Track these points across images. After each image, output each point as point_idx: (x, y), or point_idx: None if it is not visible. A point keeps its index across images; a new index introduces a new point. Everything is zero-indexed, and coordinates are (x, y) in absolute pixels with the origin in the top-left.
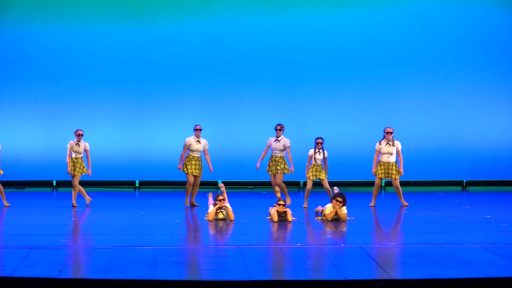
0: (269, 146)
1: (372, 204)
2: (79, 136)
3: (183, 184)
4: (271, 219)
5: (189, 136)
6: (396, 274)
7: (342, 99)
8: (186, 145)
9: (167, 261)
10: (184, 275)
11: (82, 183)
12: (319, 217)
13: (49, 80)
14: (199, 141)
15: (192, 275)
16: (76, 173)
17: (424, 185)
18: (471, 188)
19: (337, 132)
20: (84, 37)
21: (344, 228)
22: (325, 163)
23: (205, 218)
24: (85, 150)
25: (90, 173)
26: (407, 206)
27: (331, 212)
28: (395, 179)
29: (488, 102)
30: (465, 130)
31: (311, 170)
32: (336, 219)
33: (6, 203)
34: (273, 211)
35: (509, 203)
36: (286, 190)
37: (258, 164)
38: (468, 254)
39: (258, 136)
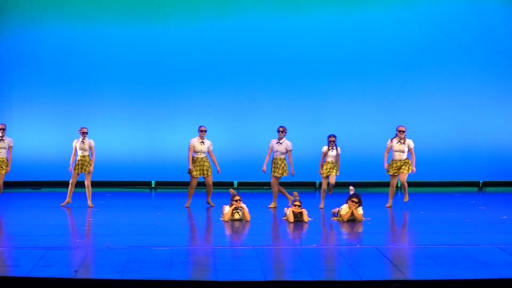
0: (271, 149)
1: (388, 204)
2: (83, 134)
3: (199, 184)
4: (287, 220)
5: (194, 138)
6: (412, 275)
7: (356, 99)
8: (190, 146)
9: (183, 261)
10: (200, 275)
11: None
12: (335, 218)
13: (65, 80)
14: (203, 142)
15: (208, 276)
16: (85, 172)
17: (441, 186)
18: (488, 189)
19: (351, 132)
20: (100, 38)
21: (360, 228)
22: (337, 160)
23: (221, 218)
24: (90, 147)
25: (92, 169)
26: (406, 201)
27: (347, 212)
28: (403, 173)
29: (505, 103)
30: (482, 130)
31: (324, 167)
32: (352, 220)
33: None
34: (289, 211)
35: None
36: (276, 194)
37: (265, 167)
38: (484, 255)
39: (273, 136)
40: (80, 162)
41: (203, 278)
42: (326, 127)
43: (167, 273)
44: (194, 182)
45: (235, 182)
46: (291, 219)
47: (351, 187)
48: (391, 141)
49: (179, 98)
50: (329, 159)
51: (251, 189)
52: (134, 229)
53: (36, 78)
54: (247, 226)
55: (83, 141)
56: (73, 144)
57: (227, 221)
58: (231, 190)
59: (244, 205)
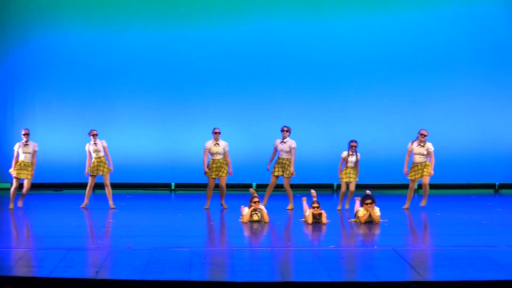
0: (276, 148)
1: (405, 206)
2: (93, 136)
3: (218, 187)
4: (306, 221)
5: (209, 140)
6: (429, 276)
7: (372, 102)
8: (206, 149)
9: (202, 262)
10: (219, 276)
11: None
12: (353, 219)
13: (86, 84)
14: (218, 144)
15: (227, 276)
16: (103, 173)
17: (457, 188)
18: (504, 191)
19: (367, 135)
20: (120, 43)
21: (377, 230)
22: (356, 165)
23: (239, 220)
24: (104, 148)
25: (111, 168)
26: (423, 206)
27: (364, 214)
28: (425, 176)
29: None
30: (498, 133)
31: (344, 172)
32: (370, 221)
33: (20, 203)
34: (308, 212)
35: None
36: (291, 195)
37: (269, 166)
38: (501, 256)
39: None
40: (96, 163)
41: (222, 279)
42: (343, 129)
43: (187, 273)
44: (212, 184)
45: (254, 184)
46: (310, 220)
47: (367, 191)
48: (412, 144)
49: (199, 101)
50: (349, 164)
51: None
52: (154, 231)
53: (57, 82)
54: (266, 228)
55: (95, 143)
56: (86, 148)
57: (245, 223)
58: (251, 190)
59: (262, 207)
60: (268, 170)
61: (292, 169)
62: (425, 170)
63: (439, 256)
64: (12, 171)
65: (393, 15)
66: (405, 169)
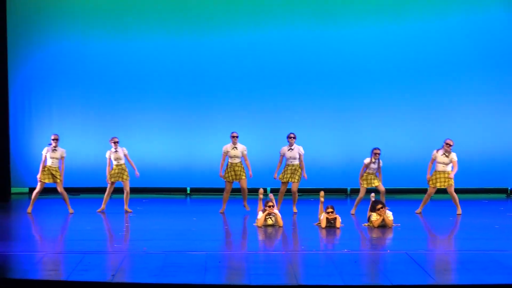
0: (283, 156)
1: (418, 211)
2: (115, 143)
3: (233, 191)
4: (319, 225)
5: (227, 144)
6: (441, 280)
7: (384, 107)
8: (224, 152)
9: (217, 266)
10: (233, 279)
11: (135, 190)
12: (366, 224)
13: (104, 90)
14: (235, 147)
15: (242, 280)
16: (123, 180)
17: (469, 193)
18: None
19: (378, 140)
20: (138, 49)
21: (390, 234)
22: (379, 172)
23: (254, 224)
24: (125, 155)
25: (137, 174)
26: (460, 214)
27: (377, 219)
28: (450, 185)
29: None
30: (510, 138)
31: (365, 178)
32: (383, 226)
33: (70, 210)
34: (322, 216)
35: None
36: (297, 198)
37: (276, 175)
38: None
39: (305, 144)
40: (117, 171)
41: (236, 282)
42: (355, 134)
43: (202, 277)
44: (228, 187)
45: (268, 189)
46: (324, 224)
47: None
48: (437, 152)
49: (214, 106)
50: (371, 170)
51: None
52: (170, 234)
53: (75, 87)
54: (280, 232)
55: (116, 150)
56: (107, 156)
57: (260, 227)
58: (270, 195)
59: (276, 211)
60: (275, 178)
61: (305, 174)
62: (447, 180)
63: (451, 260)
64: (39, 175)
65: (404, 22)
66: (428, 176)
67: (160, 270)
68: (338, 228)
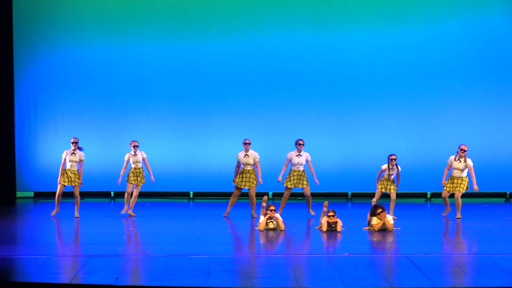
0: (289, 161)
1: (446, 212)
2: (134, 147)
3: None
4: (321, 229)
5: (241, 151)
6: (441, 283)
7: (385, 112)
8: (238, 160)
9: (219, 269)
10: (236, 283)
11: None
12: (367, 228)
13: (109, 95)
14: (247, 155)
15: (244, 283)
16: (138, 183)
17: (469, 197)
18: None
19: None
20: (141, 55)
21: (390, 238)
22: (397, 177)
23: (256, 228)
24: (143, 159)
25: (153, 179)
26: (459, 218)
27: (378, 223)
28: (459, 191)
29: None
30: (509, 142)
31: (381, 183)
32: (383, 229)
33: (77, 214)
34: (323, 220)
35: None
36: (311, 200)
37: (280, 178)
38: (510, 264)
39: (306, 149)
40: (135, 173)
41: (239, 285)
42: (356, 139)
43: (205, 280)
44: (237, 192)
45: (270, 193)
46: (325, 228)
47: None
48: (454, 159)
49: (216, 110)
50: (387, 176)
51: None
52: (173, 238)
53: (80, 93)
54: (281, 235)
55: (135, 154)
56: (126, 158)
57: (262, 231)
58: (265, 197)
59: (278, 215)
60: (279, 182)
61: (316, 180)
62: (461, 185)
63: (451, 263)
64: (59, 178)
65: (405, 27)
66: (444, 181)
67: (163, 273)
68: (339, 232)
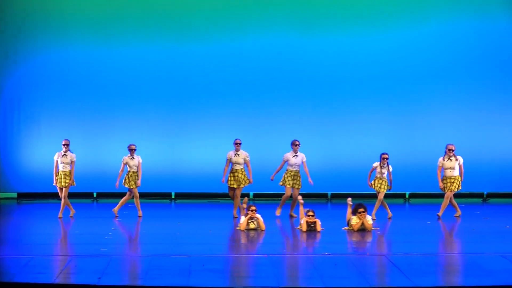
0: (285, 161)
1: (457, 214)
2: (132, 151)
3: (217, 196)
4: (301, 229)
5: (231, 151)
6: (419, 282)
7: (365, 114)
8: (227, 159)
9: (201, 269)
10: (217, 282)
11: (121, 195)
12: (346, 228)
13: (90, 97)
14: (238, 154)
15: (225, 283)
16: (132, 186)
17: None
18: (492, 200)
19: (358, 146)
20: (123, 57)
21: (369, 238)
22: (390, 176)
23: (237, 228)
24: (138, 163)
25: (139, 183)
26: (440, 215)
27: (357, 223)
28: (451, 191)
29: (509, 116)
30: (486, 144)
31: (375, 183)
32: (362, 229)
33: (60, 215)
34: (303, 221)
35: None
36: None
37: (273, 177)
38: (488, 263)
39: (286, 149)
40: (132, 176)
41: (220, 285)
42: (337, 140)
43: (186, 280)
44: (232, 193)
45: (251, 194)
46: (305, 228)
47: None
48: (443, 159)
49: (198, 112)
50: (379, 175)
51: (266, 200)
52: (155, 238)
53: (63, 95)
54: (262, 235)
55: (133, 157)
56: (124, 161)
57: (243, 231)
58: (245, 199)
59: (258, 215)
60: (272, 180)
61: (310, 180)
62: (455, 184)
63: (429, 263)
64: (54, 181)
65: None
66: (441, 184)
67: (145, 273)
68: (318, 231)
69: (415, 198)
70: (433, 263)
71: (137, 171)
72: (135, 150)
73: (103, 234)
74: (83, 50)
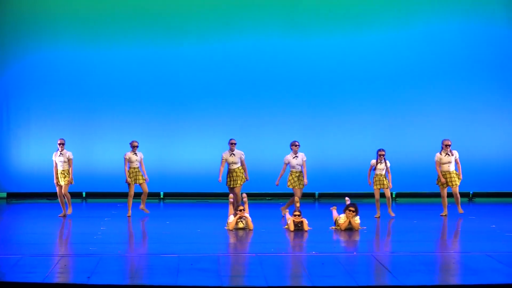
0: (287, 164)
1: (444, 213)
2: (134, 147)
3: (205, 195)
4: (288, 229)
5: (225, 151)
6: (406, 281)
7: (355, 114)
8: (223, 159)
9: (189, 268)
10: (205, 281)
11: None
12: (333, 227)
13: (79, 97)
14: (233, 154)
15: (213, 281)
16: (138, 181)
17: (433, 197)
18: (477, 200)
19: (350, 145)
20: (112, 58)
21: (356, 237)
22: (388, 173)
23: (225, 227)
24: (140, 159)
25: (147, 179)
26: (462, 213)
27: (344, 221)
28: (455, 185)
29: (494, 117)
30: (472, 144)
31: (377, 181)
32: (349, 229)
33: (64, 213)
34: (290, 221)
35: None
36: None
37: (278, 182)
38: (474, 262)
39: (276, 150)
40: (133, 172)
41: (209, 284)
42: (326, 140)
43: (174, 279)
44: (231, 191)
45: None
46: (292, 227)
47: (346, 198)
48: (440, 154)
49: (186, 112)
50: (378, 172)
51: (254, 199)
52: (144, 238)
53: (53, 94)
54: (250, 235)
55: (135, 154)
56: (126, 157)
57: (231, 230)
58: (244, 195)
59: (247, 215)
60: (277, 185)
61: (305, 179)
62: (454, 179)
63: (415, 262)
64: (55, 180)
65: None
66: (443, 180)
67: (135, 272)
68: (306, 231)
69: (401, 197)
70: (419, 262)
71: (139, 167)
72: (137, 146)
73: (92, 234)
74: (73, 49)
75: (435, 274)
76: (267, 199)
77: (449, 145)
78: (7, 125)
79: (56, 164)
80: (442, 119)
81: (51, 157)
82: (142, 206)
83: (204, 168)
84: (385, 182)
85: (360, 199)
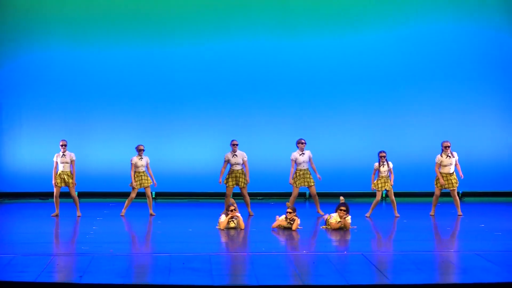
0: (295, 160)
1: (432, 213)
2: (140, 151)
3: (197, 195)
4: (279, 227)
5: (228, 152)
6: (396, 279)
7: (348, 115)
8: (225, 160)
9: (181, 267)
10: (197, 280)
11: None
12: (324, 226)
13: (72, 97)
14: (235, 155)
15: (205, 280)
16: (143, 185)
17: (422, 196)
18: (467, 199)
19: (342, 146)
20: (105, 58)
21: (347, 236)
22: (391, 173)
23: (217, 227)
24: (147, 163)
25: (155, 183)
26: (461, 216)
27: (336, 221)
28: (454, 189)
29: (483, 118)
30: (461, 144)
31: (378, 181)
32: (340, 228)
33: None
34: (281, 217)
35: (502, 213)
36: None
37: (291, 180)
38: (463, 261)
39: (269, 150)
40: (138, 176)
41: (200, 283)
42: (317, 139)
43: (166, 278)
44: (229, 192)
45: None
46: (284, 223)
47: (341, 197)
48: (441, 156)
49: (180, 112)
50: (382, 174)
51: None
52: (136, 237)
53: (44, 95)
54: (242, 234)
55: (141, 158)
56: (132, 162)
57: (223, 229)
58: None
59: (239, 214)
60: (290, 184)
61: (318, 175)
62: (453, 181)
63: (405, 261)
64: (53, 181)
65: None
66: (442, 181)
67: (126, 271)
68: (294, 230)
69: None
70: (409, 261)
71: (145, 171)
72: (143, 150)
73: (84, 233)
74: (66, 49)
75: (425, 273)
76: (258, 199)
77: (449, 147)
78: None
79: (56, 165)
80: (437, 120)
81: (44, 156)
82: (150, 211)
83: (196, 167)
84: (389, 184)
85: (356, 199)
